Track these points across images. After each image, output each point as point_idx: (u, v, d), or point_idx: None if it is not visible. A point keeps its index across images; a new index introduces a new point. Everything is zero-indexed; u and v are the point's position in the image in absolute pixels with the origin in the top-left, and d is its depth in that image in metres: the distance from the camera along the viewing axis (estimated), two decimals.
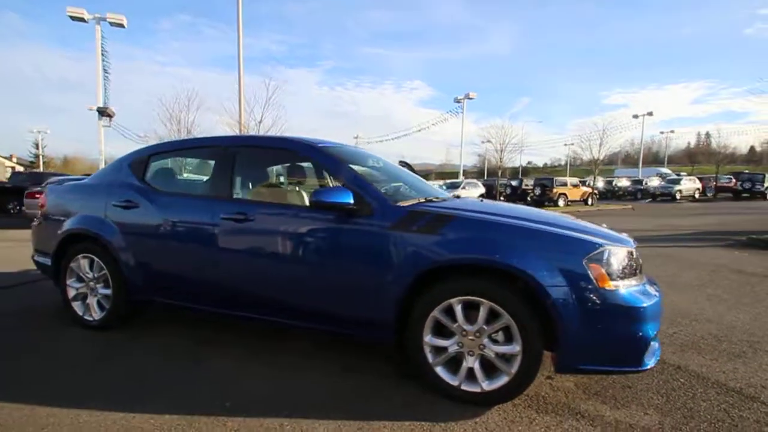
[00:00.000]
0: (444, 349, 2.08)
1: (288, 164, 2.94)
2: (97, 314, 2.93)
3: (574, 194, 20.44)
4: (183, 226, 2.66)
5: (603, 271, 1.88)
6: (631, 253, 2.03)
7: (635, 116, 30.60)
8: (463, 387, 2.04)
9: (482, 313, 1.98)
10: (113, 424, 1.85)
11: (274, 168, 3.16)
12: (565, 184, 20.61)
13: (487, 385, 2.00)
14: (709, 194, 25.39)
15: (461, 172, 27.91)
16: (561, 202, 19.41)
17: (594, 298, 1.85)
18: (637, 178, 29.69)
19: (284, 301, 2.42)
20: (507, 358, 1.99)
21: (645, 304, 1.89)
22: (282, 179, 3.11)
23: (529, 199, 20.72)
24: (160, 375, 2.31)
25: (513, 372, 1.96)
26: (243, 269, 2.49)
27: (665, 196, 24.09)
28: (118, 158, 3.27)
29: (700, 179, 26.34)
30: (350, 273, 2.21)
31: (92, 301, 2.96)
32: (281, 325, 2.56)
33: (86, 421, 1.86)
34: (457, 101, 25.52)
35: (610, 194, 27.23)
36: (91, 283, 2.96)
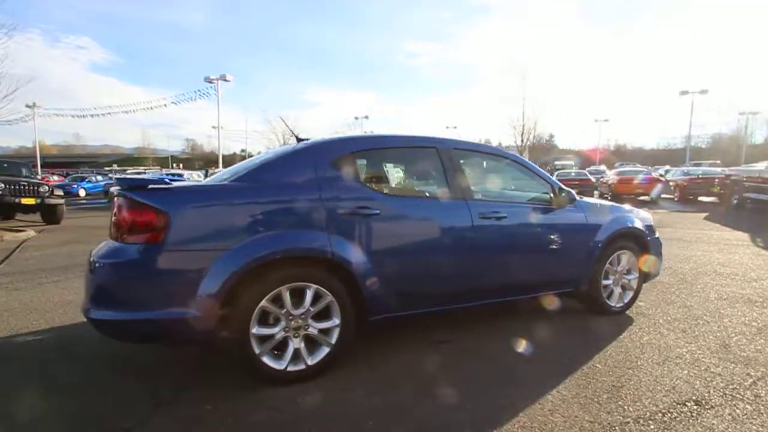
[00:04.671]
0: (609, 286, 3.38)
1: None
2: (311, 359, 2.27)
3: None
4: (434, 230, 2.57)
5: (654, 226, 3.71)
6: None
7: (356, 118, 37.64)
8: (617, 306, 3.41)
9: (626, 258, 3.42)
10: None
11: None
12: None
13: (624, 305, 3.46)
14: None
15: (221, 159, 25.81)
16: None
17: (657, 238, 3.65)
18: None
19: (525, 281, 2.95)
20: (632, 283, 3.50)
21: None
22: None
23: None
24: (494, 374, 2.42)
25: (635, 288, 3.50)
26: (496, 262, 2.79)
27: None
28: (293, 152, 2.40)
29: None
30: (577, 246, 3.12)
31: (299, 345, 2.24)
32: (509, 302, 3.01)
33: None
34: (209, 81, 23.33)
35: None
36: (297, 321, 2.23)
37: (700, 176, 14.66)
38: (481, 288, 2.79)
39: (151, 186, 2.11)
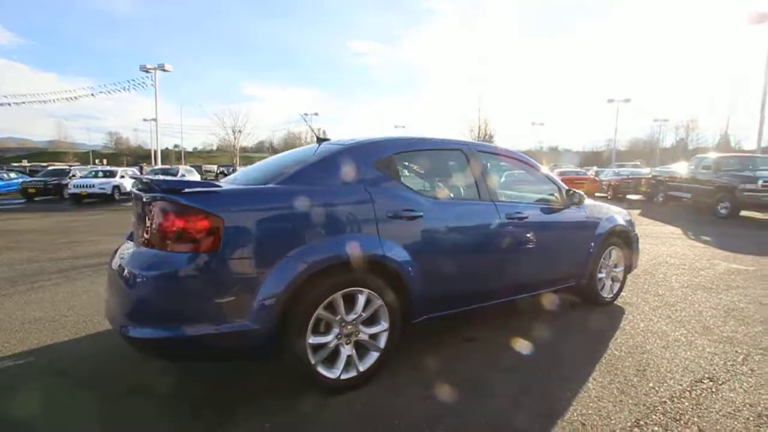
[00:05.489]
0: (602, 279, 3.68)
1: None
2: (362, 365, 2.22)
3: None
4: (470, 231, 2.64)
5: (633, 221, 4.10)
6: None
7: (306, 114, 36.74)
8: (608, 297, 3.73)
9: (615, 253, 3.74)
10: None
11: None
12: None
13: (613, 296, 3.80)
14: None
15: (159, 155, 23.74)
16: None
17: (636, 234, 4.03)
18: None
19: (544, 277, 3.12)
20: (619, 275, 3.84)
21: None
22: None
23: None
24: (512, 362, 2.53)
25: (621, 279, 3.85)
26: (521, 260, 2.91)
27: None
28: (338, 153, 2.31)
29: None
30: (581, 244, 3.35)
31: (351, 351, 2.19)
32: (524, 298, 3.15)
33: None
34: (146, 70, 21.44)
35: None
36: (349, 327, 2.17)
37: (630, 176, 16.34)
38: (508, 285, 2.91)
39: (187, 189, 1.93)
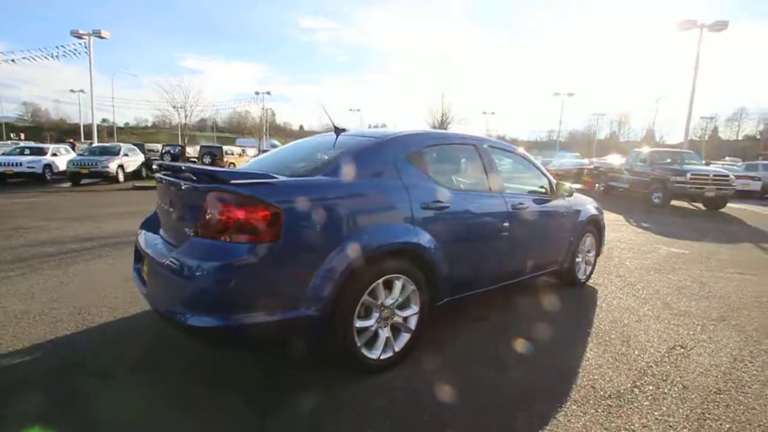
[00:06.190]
0: (579, 263, 4.11)
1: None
2: (397, 345, 2.40)
3: (241, 162, 22.01)
4: (486, 221, 2.87)
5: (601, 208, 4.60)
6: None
7: (257, 93, 35.20)
8: (582, 279, 4.19)
9: (589, 239, 4.19)
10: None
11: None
12: (233, 153, 21.71)
13: (586, 278, 4.27)
14: None
15: (95, 131, 21.53)
16: None
17: (604, 221, 4.53)
18: (264, 149, 34.95)
19: (539, 261, 3.45)
20: (591, 259, 4.31)
21: None
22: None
23: None
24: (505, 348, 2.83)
25: (593, 263, 4.33)
26: (524, 246, 3.22)
27: None
28: (375, 145, 2.38)
29: None
30: (567, 231, 3.72)
31: (388, 333, 2.35)
32: (519, 283, 3.45)
33: None
34: (78, 36, 19.22)
35: None
36: (386, 311, 2.32)
37: (574, 167, 17.70)
38: (513, 269, 3.22)
39: (234, 180, 1.95)
